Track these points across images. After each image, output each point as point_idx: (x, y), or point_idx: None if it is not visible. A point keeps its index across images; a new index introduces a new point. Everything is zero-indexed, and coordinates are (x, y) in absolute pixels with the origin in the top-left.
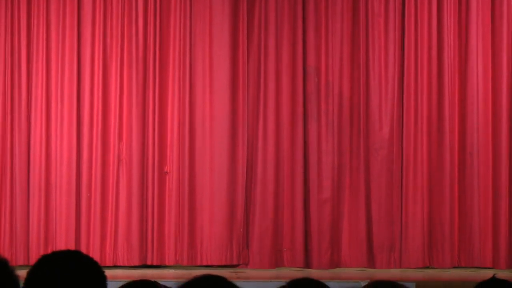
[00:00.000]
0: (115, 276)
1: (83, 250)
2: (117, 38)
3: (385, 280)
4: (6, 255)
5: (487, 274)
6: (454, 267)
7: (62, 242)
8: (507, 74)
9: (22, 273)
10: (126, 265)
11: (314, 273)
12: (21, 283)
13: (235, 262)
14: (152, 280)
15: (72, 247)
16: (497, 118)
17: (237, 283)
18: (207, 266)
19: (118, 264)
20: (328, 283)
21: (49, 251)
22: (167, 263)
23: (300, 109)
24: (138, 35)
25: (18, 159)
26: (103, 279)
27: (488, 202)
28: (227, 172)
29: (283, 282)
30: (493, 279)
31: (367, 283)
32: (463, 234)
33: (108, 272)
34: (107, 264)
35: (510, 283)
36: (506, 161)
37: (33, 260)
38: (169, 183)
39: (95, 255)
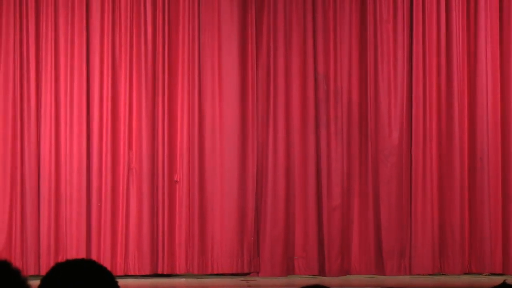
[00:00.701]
0: (126, 286)
1: (94, 259)
2: (126, 46)
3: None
4: (17, 265)
5: (498, 280)
6: (465, 273)
7: (73, 251)
8: None
9: (33, 283)
10: (137, 274)
11: (325, 280)
12: None
13: (246, 270)
14: None
15: (83, 256)
16: (506, 122)
17: None
18: (218, 275)
19: (129, 273)
20: None
21: (60, 260)
22: (178, 272)
23: (310, 116)
24: (147, 44)
25: (28, 168)
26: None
27: (497, 207)
28: (237, 180)
29: None
30: (504, 284)
31: None
32: (474, 240)
33: (119, 282)
34: (118, 274)
35: None
36: None
37: (43, 269)
38: (179, 191)
39: (106, 264)
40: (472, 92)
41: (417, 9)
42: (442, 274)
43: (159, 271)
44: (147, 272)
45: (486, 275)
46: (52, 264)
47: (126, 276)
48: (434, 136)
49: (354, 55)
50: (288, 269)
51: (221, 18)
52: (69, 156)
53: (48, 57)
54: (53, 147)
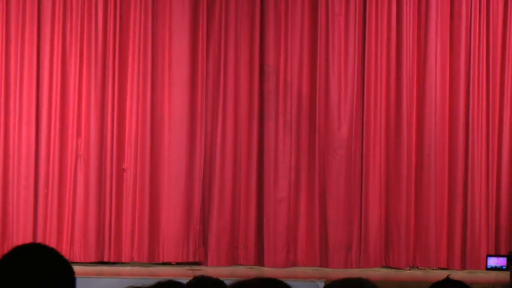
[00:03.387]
0: None
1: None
2: (77, 34)
3: (351, 278)
4: None
5: (443, 274)
6: (410, 268)
7: (19, 238)
8: (464, 76)
9: None
10: (83, 261)
11: (269, 271)
12: None
13: (191, 259)
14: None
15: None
16: (454, 120)
17: None
18: (164, 263)
19: (75, 261)
20: (286, 282)
21: (6, 246)
22: (123, 260)
23: (260, 108)
24: (97, 31)
25: None
26: (71, 273)
27: (443, 203)
28: (185, 170)
29: (238, 280)
30: (447, 279)
31: (324, 282)
32: (420, 235)
33: None
34: None
35: (463, 284)
36: (461, 163)
37: None
38: (127, 180)
39: None
40: (421, 88)
41: (370, 3)
42: (388, 268)
43: (105, 259)
44: (92, 260)
45: (431, 269)
46: None
47: (72, 263)
48: (383, 131)
49: (305, 48)
50: (234, 259)
51: (173, 7)
52: (17, 142)
53: None
54: (1, 134)
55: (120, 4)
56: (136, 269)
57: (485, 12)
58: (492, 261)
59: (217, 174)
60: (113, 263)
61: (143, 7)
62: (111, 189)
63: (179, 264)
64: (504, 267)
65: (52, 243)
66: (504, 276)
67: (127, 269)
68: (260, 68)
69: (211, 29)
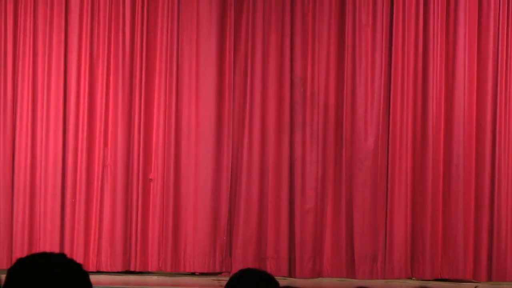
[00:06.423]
0: (98, 282)
1: (67, 254)
2: (104, 44)
3: None
4: None
5: (469, 286)
6: (437, 279)
7: (46, 246)
8: (492, 87)
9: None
10: (110, 271)
11: (296, 282)
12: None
13: (217, 270)
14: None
15: (56, 251)
16: (481, 131)
17: None
18: (190, 274)
19: (101, 270)
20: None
21: None
22: (150, 270)
23: (285, 119)
24: (125, 42)
25: (2, 163)
26: (87, 282)
27: (470, 214)
28: (211, 180)
29: None
30: None
31: None
32: (447, 246)
33: (91, 278)
34: (90, 270)
35: None
36: (488, 174)
37: None
38: (153, 190)
39: (79, 260)
40: (449, 98)
41: (397, 14)
42: (414, 279)
43: (132, 268)
44: (119, 269)
45: (457, 281)
46: None
47: (99, 272)
48: (409, 141)
49: (332, 58)
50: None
51: (200, 18)
52: (45, 152)
53: (26, 53)
54: (29, 143)
55: (147, 15)
56: (162, 278)
57: None
58: None
59: (243, 184)
60: (140, 273)
61: (170, 18)
62: (137, 198)
63: (205, 274)
64: None
65: (79, 252)
66: None
67: (154, 278)
68: (290, 79)
69: (238, 41)
